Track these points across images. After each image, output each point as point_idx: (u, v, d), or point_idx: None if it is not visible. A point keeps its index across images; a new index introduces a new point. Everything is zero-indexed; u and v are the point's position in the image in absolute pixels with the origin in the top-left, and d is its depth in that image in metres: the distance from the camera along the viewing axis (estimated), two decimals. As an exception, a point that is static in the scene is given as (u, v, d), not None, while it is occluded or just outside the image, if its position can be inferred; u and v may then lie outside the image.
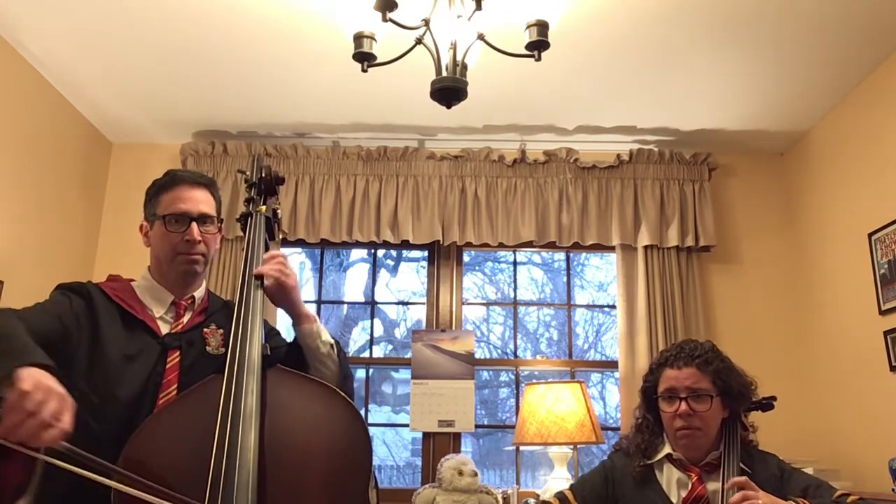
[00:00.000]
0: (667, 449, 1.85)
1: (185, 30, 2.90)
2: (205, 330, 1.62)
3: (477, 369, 3.72)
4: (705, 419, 1.78)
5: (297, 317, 1.62)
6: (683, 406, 1.78)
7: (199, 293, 1.68)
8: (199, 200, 1.63)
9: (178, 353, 1.55)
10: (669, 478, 1.82)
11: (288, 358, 1.61)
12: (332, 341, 1.65)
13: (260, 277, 1.56)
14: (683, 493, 1.78)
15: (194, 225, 1.60)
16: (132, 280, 1.68)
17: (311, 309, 1.67)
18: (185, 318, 1.63)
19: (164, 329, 1.59)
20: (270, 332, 1.74)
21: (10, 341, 1.26)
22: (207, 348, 1.59)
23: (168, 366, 1.53)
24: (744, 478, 1.63)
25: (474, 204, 3.71)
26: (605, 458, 1.99)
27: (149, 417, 1.38)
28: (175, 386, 1.50)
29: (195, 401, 1.38)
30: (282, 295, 1.59)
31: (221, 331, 1.62)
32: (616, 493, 1.84)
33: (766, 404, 1.98)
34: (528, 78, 3.17)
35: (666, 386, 1.84)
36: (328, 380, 1.59)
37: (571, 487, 1.91)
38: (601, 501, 1.84)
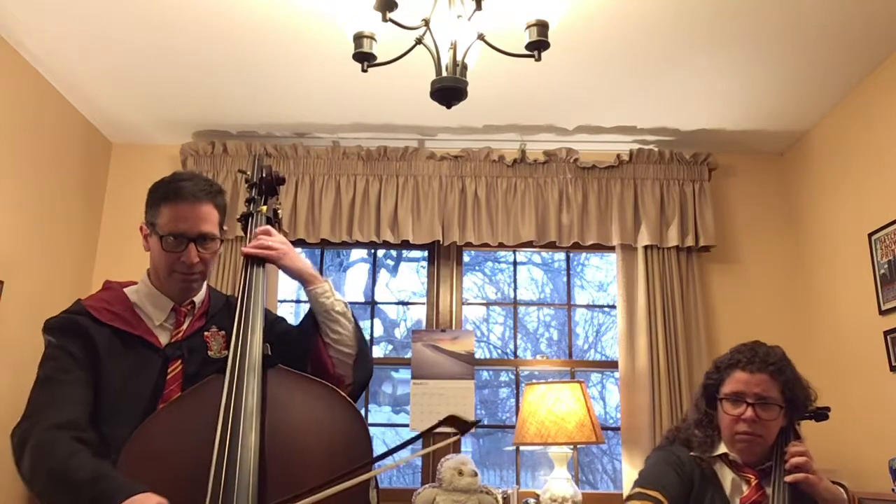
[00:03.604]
0: (722, 448, 1.82)
1: (185, 30, 2.90)
2: (205, 334, 1.60)
3: (477, 369, 3.72)
4: (768, 427, 1.75)
5: (304, 279, 1.60)
6: (749, 412, 1.74)
7: (198, 297, 1.66)
8: (200, 219, 1.57)
9: (179, 362, 1.53)
10: (724, 477, 1.79)
11: (301, 331, 1.61)
12: (345, 300, 1.64)
13: (253, 258, 1.56)
14: (738, 496, 1.75)
15: (192, 247, 1.55)
16: (129, 284, 1.65)
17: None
18: (186, 324, 1.61)
19: (164, 337, 1.57)
20: (275, 321, 1.73)
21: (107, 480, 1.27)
22: (209, 353, 1.57)
23: (169, 376, 1.51)
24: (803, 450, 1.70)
25: (474, 204, 3.71)
26: (661, 450, 1.90)
27: (148, 418, 1.37)
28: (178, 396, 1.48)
29: (194, 401, 1.37)
30: (276, 266, 1.59)
31: (223, 332, 1.60)
32: (690, 487, 1.78)
33: (821, 414, 1.91)
34: (528, 78, 3.17)
35: (734, 388, 1.80)
36: (347, 338, 1.59)
37: (656, 488, 1.74)
38: (684, 498, 1.76)
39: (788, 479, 1.66)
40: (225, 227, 1.69)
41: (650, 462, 1.88)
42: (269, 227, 1.65)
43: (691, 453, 1.81)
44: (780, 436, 1.79)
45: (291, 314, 4.15)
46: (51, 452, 1.33)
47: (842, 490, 1.69)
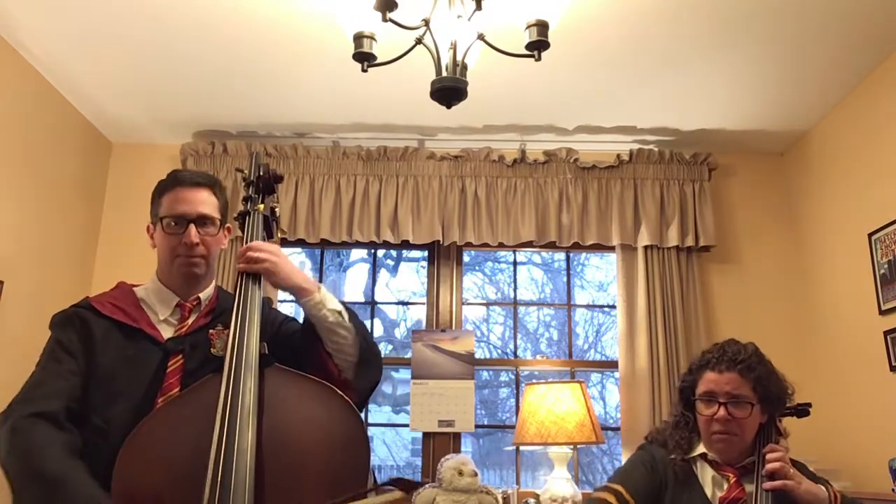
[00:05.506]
0: (701, 448, 1.83)
1: (185, 30, 2.90)
2: (210, 331, 1.60)
3: (477, 369, 3.72)
4: (743, 425, 1.75)
5: (295, 292, 1.57)
6: (722, 411, 1.74)
7: (205, 294, 1.67)
8: (199, 202, 1.62)
9: (180, 357, 1.54)
10: (704, 475, 1.80)
11: (303, 337, 1.59)
12: (340, 308, 1.59)
13: (248, 272, 1.53)
14: (719, 493, 1.75)
15: (192, 227, 1.59)
16: (139, 285, 1.67)
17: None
18: (190, 321, 1.61)
19: (167, 332, 1.58)
20: (284, 321, 1.72)
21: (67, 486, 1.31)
22: (212, 350, 1.57)
23: (169, 370, 1.51)
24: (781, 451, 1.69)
25: (474, 204, 3.71)
26: (639, 449, 1.93)
27: (145, 418, 1.37)
28: (177, 390, 1.49)
29: (191, 401, 1.37)
30: (268, 282, 1.55)
31: (228, 331, 1.60)
32: (662, 485, 1.79)
33: (802, 410, 1.91)
34: (528, 78, 3.17)
35: (705, 389, 1.80)
36: (346, 346, 1.56)
37: (620, 483, 1.81)
38: (651, 495, 1.78)
39: (766, 486, 1.65)
40: (228, 225, 1.70)
41: (626, 461, 1.92)
42: (252, 243, 1.59)
43: (671, 456, 1.82)
44: (762, 432, 1.79)
45: (291, 314, 4.15)
46: (28, 438, 1.37)
47: (823, 489, 1.69)
